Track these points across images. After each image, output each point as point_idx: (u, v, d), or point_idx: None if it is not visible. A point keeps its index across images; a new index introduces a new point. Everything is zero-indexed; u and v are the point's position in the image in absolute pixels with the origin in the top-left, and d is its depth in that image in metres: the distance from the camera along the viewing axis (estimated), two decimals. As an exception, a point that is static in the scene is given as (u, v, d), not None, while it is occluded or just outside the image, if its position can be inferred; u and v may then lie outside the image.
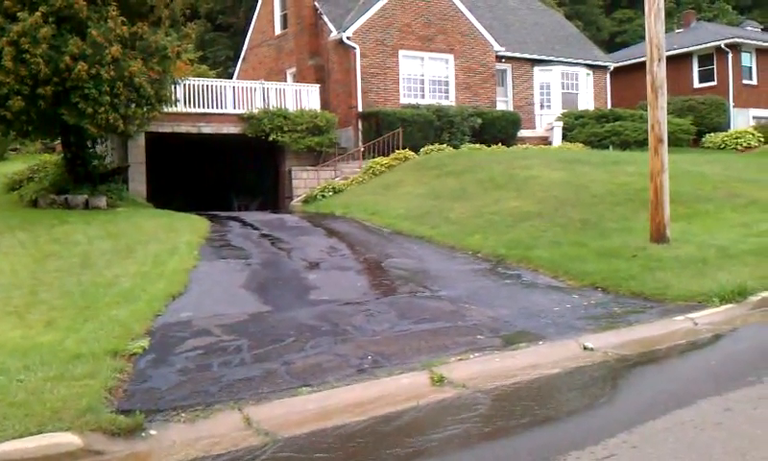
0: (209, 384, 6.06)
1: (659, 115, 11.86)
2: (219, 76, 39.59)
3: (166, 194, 25.32)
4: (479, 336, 7.47)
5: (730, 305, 8.55)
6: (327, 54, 26.40)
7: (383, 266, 11.56)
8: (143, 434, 5.03)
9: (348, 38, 24.82)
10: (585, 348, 7.00)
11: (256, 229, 15.52)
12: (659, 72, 11.79)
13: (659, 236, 11.90)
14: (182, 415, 5.33)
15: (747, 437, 4.28)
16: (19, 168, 24.59)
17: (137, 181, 21.33)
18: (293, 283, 10.35)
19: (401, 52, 25.96)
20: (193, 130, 22.36)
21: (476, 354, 6.75)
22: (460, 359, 6.58)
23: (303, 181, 22.47)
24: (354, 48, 24.86)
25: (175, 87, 21.23)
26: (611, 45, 49.43)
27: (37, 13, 15.84)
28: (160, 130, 21.57)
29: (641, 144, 27.18)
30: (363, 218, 16.49)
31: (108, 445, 4.87)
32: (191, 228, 14.99)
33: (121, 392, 5.95)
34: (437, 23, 26.76)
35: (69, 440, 4.75)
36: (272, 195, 25.40)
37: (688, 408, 4.89)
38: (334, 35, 25.47)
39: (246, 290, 9.96)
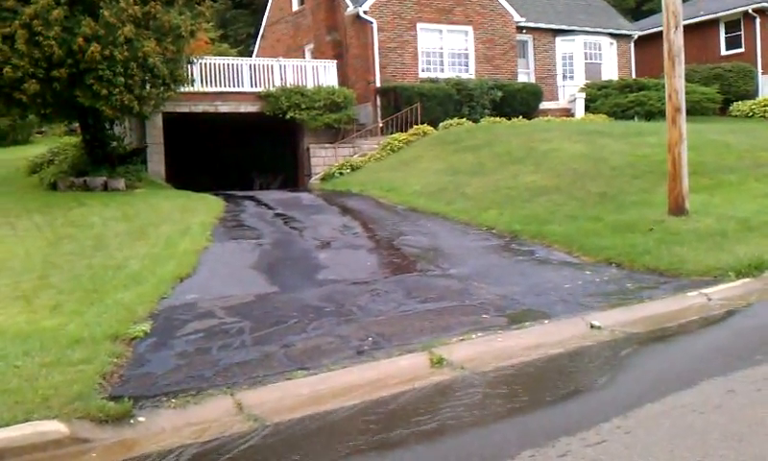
0: (206, 368, 5.99)
1: (676, 84, 11.55)
2: (240, 54, 39.51)
3: (189, 174, 25.36)
4: (484, 315, 7.32)
5: (746, 280, 8.30)
6: (345, 29, 26.14)
7: (395, 244, 11.42)
8: (132, 421, 4.96)
9: (364, 13, 24.53)
10: (592, 326, 6.82)
11: (271, 208, 15.44)
12: (675, 39, 11.46)
13: (677, 209, 11.63)
14: (173, 401, 5.26)
15: (747, 421, 4.10)
16: (41, 151, 24.77)
17: (156, 162, 21.34)
18: (302, 263, 10.25)
19: (419, 25, 25.62)
20: (210, 109, 22.29)
21: (479, 334, 6.60)
22: (461, 340, 6.44)
23: (322, 158, 22.34)
24: (371, 22, 24.58)
25: (191, 67, 21.17)
26: (637, 13, 48.38)
27: (48, -5, 15.81)
28: (177, 109, 21.52)
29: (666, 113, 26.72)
30: (379, 195, 16.34)
31: (95, 432, 4.81)
32: (206, 208, 14.96)
33: (116, 377, 5.89)
34: (455, -6, 26.37)
35: (55, 428, 4.69)
36: (292, 173, 25.32)
37: (690, 390, 4.71)
38: (351, 9, 25.19)
39: (254, 270, 9.88)
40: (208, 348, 6.60)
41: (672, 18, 11.44)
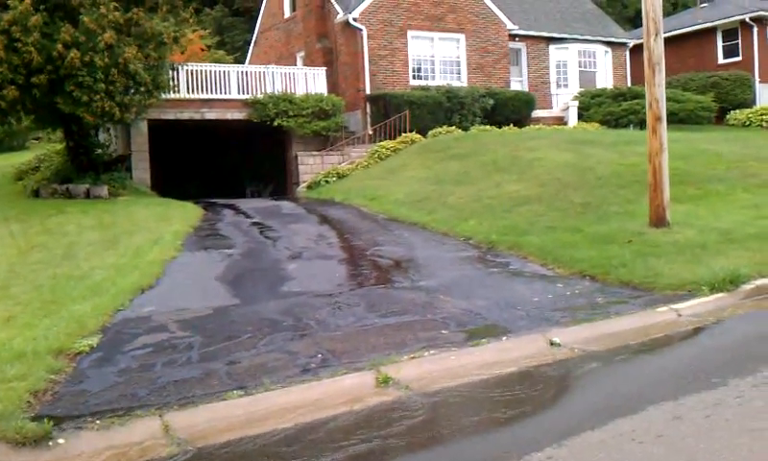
0: (142, 386, 5.74)
1: (656, 93, 11.30)
2: (237, 61, 39.37)
3: (178, 182, 25.16)
4: (444, 331, 7.06)
5: (720, 294, 8.02)
6: (335, 36, 25.96)
7: (368, 255, 11.17)
8: (50, 443, 4.71)
9: (354, 20, 24.34)
10: (552, 343, 6.56)
11: (249, 217, 15.21)
12: (655, 47, 11.22)
13: (658, 220, 11.38)
14: (98, 422, 5.00)
15: (686, 453, 3.84)
16: (30, 158, 24.59)
17: (141, 170, 21.13)
18: (269, 275, 10.00)
19: (410, 32, 25.43)
20: (196, 116, 22.08)
21: (433, 352, 6.34)
22: (412, 358, 6.18)
23: (310, 166, 22.12)
24: (361, 29, 24.40)
25: (176, 73, 21.00)
26: (637, 22, 48.16)
27: (27, 1, 15.61)
28: (163, 117, 21.35)
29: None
30: (361, 204, 16.10)
31: (9, 455, 4.57)
32: (183, 217, 14.74)
33: (49, 395, 5.65)
34: (447, 2, 26.18)
35: (-35, 452, 4.45)
36: (283, 181, 25.10)
37: (635, 416, 4.45)
38: (341, 16, 25.01)
39: (219, 282, 9.64)
40: (152, 364, 6.36)
41: (652, 25, 11.20)
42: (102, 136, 21.52)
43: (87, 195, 18.78)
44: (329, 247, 11.84)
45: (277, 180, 25.84)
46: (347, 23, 24.71)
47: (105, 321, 7.74)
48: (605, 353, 6.21)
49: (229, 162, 28.49)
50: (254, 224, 14.21)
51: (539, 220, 12.70)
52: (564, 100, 28.46)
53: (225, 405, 5.29)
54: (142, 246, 11.83)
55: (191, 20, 19.70)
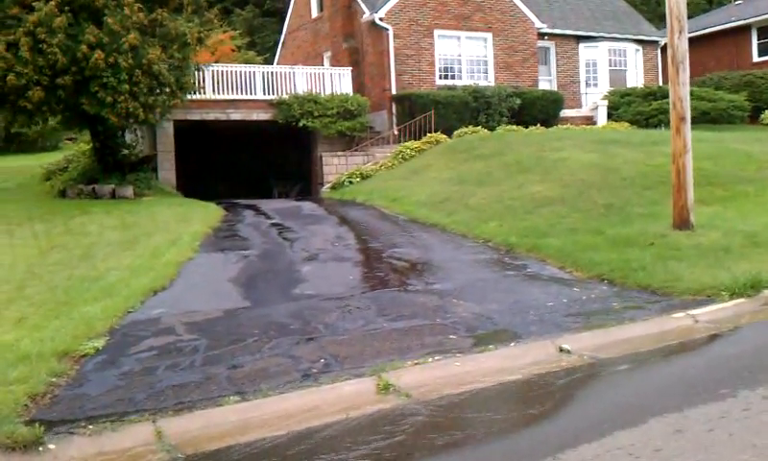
0: (141, 390, 5.69)
1: (680, 92, 11.04)
2: (267, 61, 39.46)
3: (206, 182, 25.27)
4: (452, 336, 6.92)
5: (740, 300, 7.78)
6: (362, 36, 25.88)
7: (384, 257, 11.06)
8: (41, 448, 4.67)
9: (380, 19, 24.23)
10: (561, 349, 6.39)
11: (269, 217, 15.18)
12: (679, 45, 10.96)
13: (681, 222, 11.10)
14: (90, 427, 4.96)
15: (683, 469, 3.68)
16: (59, 158, 24.85)
17: (166, 170, 21.24)
18: (283, 277, 9.93)
19: (436, 32, 25.25)
20: (222, 116, 22.13)
21: (437, 358, 6.21)
22: (416, 364, 6.06)
23: (334, 166, 22.05)
24: (387, 29, 24.27)
25: (201, 74, 21.08)
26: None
27: (52, 3, 15.73)
28: (189, 117, 21.44)
29: (693, 122, 25.92)
30: (382, 205, 15.99)
31: (-1, 461, 4.53)
32: (204, 217, 14.74)
33: (48, 398, 5.63)
34: (474, 1, 25.93)
35: (-49, 457, 4.42)
36: (309, 181, 25.09)
37: (635, 428, 4.28)
38: (367, 16, 24.92)
39: (232, 284, 9.59)
40: (155, 367, 6.31)
41: (676, 22, 10.94)
42: (128, 137, 21.64)
43: (113, 195, 18.90)
44: (346, 249, 11.74)
45: (305, 180, 25.84)
46: (372, 23, 24.61)
47: (113, 323, 7.73)
48: (614, 361, 6.02)
49: (258, 163, 28.50)
50: (274, 225, 14.17)
51: (560, 222, 12.48)
52: (593, 99, 28.07)
53: (220, 411, 5.21)
54: (159, 247, 11.84)
55: (216, 21, 19.73)
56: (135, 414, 5.18)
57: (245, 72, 22.86)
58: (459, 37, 25.86)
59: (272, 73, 23.23)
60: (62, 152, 32.30)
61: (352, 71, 24.71)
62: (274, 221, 14.67)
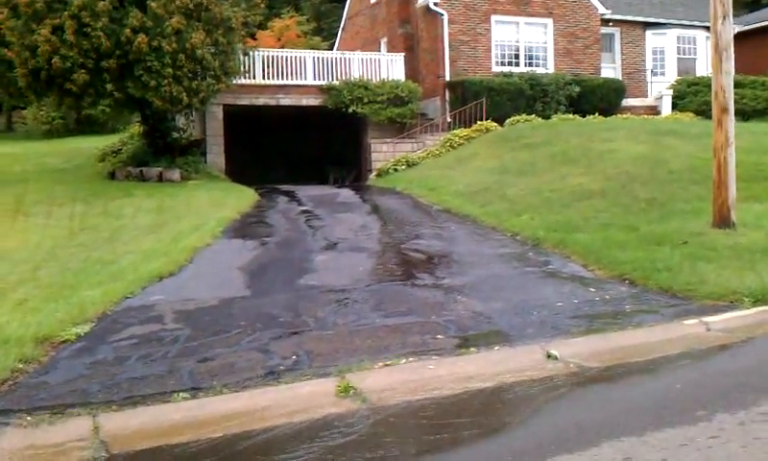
0: (100, 381, 5.54)
1: (723, 81, 10.33)
2: (331, 47, 39.41)
3: (263, 167, 25.38)
4: (439, 336, 6.56)
5: (762, 308, 7.17)
6: (417, 21, 25.47)
7: (403, 248, 10.73)
8: (-30, 440, 4.55)
9: (435, 4, 23.76)
10: (549, 355, 5.95)
11: (301, 204, 15.02)
12: (723, 31, 10.25)
13: (721, 220, 10.42)
14: (28, 419, 4.82)
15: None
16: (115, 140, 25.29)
17: (215, 154, 21.35)
18: (293, 266, 9.71)
19: (494, 17, 24.63)
20: (272, 102, 22.10)
21: (412, 359, 5.87)
22: (386, 365, 5.73)
23: (383, 153, 21.78)
24: (442, 14, 23.78)
25: (251, 59, 21.06)
26: (754, 7, 45.18)
27: (97, -14, 15.90)
28: (238, 102, 21.48)
29: (762, 114, 24.67)
30: (419, 194, 15.64)
31: (-72, 451, 4.43)
32: (237, 202, 14.70)
33: (7, 386, 5.52)
34: (534, -15, 25.20)
35: None
36: (360, 168, 24.90)
37: (582, 453, 3.86)
38: (422, 1, 24.46)
39: (240, 272, 9.43)
40: (127, 357, 6.16)
41: (720, 7, 10.23)
42: (180, 121, 21.82)
43: (160, 178, 19.08)
44: (367, 238, 11.45)
45: (358, 166, 25.66)
46: (427, 8, 24.17)
47: (106, 308, 7.65)
48: (600, 371, 5.57)
49: (314, 149, 28.45)
50: (303, 212, 14.00)
51: (596, 216, 11.91)
52: (659, 88, 26.95)
53: (165, 408, 5.01)
54: (183, 231, 11.80)
55: (262, 5, 19.59)
56: (81, 406, 5.02)
57: (296, 57, 22.76)
58: (518, 23, 25.17)
59: (322, 58, 23.08)
60: (121, 134, 32.90)
61: (407, 57, 24.35)
62: (305, 208, 14.50)
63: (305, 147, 28.29)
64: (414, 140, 22.15)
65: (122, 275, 9.14)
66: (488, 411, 4.86)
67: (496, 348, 6.17)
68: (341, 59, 23.12)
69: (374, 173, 20.89)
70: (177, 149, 20.54)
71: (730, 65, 10.34)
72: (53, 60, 15.99)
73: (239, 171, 21.87)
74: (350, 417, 4.78)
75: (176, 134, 21.00)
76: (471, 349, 6.11)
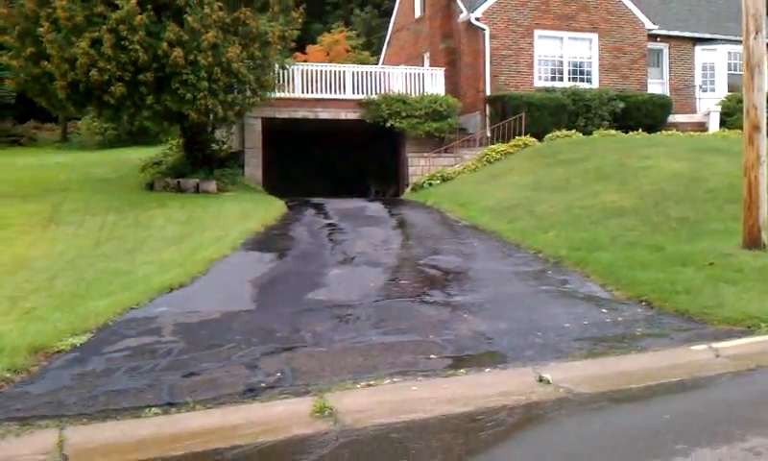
0: (79, 393, 5.51)
1: (755, 99, 9.96)
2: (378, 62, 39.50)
3: (304, 180, 25.42)
4: (432, 356, 6.38)
5: (779, 335, 6.82)
6: (459, 36, 25.30)
7: (420, 264, 10.56)
8: (-66, 450, 4.54)
9: (476, 19, 23.56)
10: (541, 379, 5.73)
11: (328, 217, 14.96)
12: (755, 47, 9.88)
13: (751, 242, 10.02)
14: (-3, 430, 4.80)
15: None
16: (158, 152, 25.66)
17: (252, 166, 21.47)
18: (305, 280, 9.61)
19: (537, 32, 24.29)
20: (310, 115, 22.15)
21: (396, 380, 5.71)
22: (369, 385, 5.58)
23: (420, 167, 21.65)
24: (483, 29, 23.56)
25: (290, 73, 21.17)
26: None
27: (134, 1, 16.12)
28: (277, 115, 21.58)
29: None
30: (448, 209, 15.45)
31: None
32: (264, 215, 14.72)
33: (-13, 396, 5.54)
34: (579, 0, 24.78)
35: None
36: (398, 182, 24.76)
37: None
38: (464, 16, 24.30)
39: (251, 285, 9.38)
40: (115, 369, 6.14)
41: (752, 22, 9.85)
42: (219, 133, 22.02)
43: (196, 190, 19.25)
44: (386, 253, 11.31)
45: (397, 180, 25.52)
46: (469, 23, 23.98)
47: (108, 319, 7.67)
48: (589, 398, 5.32)
49: (356, 162, 28.42)
50: (328, 225, 13.93)
51: (624, 235, 11.56)
52: (709, 105, 26.22)
53: (134, 424, 4.94)
54: (203, 243, 11.84)
55: (299, 21, 19.66)
56: (53, 419, 4.98)
57: (335, 71, 22.79)
58: (561, 38, 24.80)
59: (361, 73, 23.05)
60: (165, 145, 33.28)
61: (448, 72, 24.19)
62: (330, 221, 14.44)
63: (348, 161, 28.28)
64: (451, 155, 21.96)
65: (134, 285, 9.18)
66: (458, 437, 4.67)
67: (487, 370, 5.97)
68: (380, 73, 23.10)
69: (410, 187, 20.74)
70: (215, 161, 20.73)
71: (762, 82, 9.96)
72: (91, 73, 16.27)
73: (280, 184, 21.95)
74: (317, 439, 4.64)
75: (214, 147, 21.21)
76: (461, 370, 5.92)
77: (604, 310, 8.02)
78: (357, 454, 4.45)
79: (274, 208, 15.74)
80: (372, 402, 5.28)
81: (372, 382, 5.64)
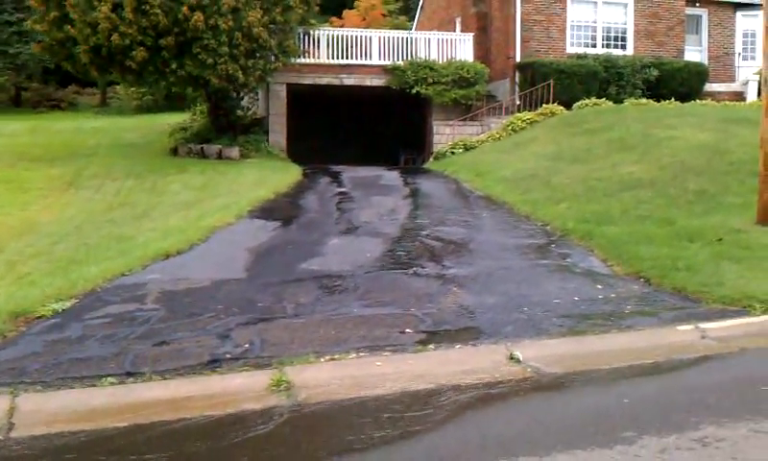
0: (44, 361, 5.52)
1: (772, 66, 9.51)
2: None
3: (329, 147, 25.28)
4: (407, 330, 6.26)
5: (769, 317, 6.56)
6: (490, 1, 24.78)
7: (423, 235, 10.42)
8: None
9: (506, -18, 23.06)
10: (511, 357, 5.59)
11: (341, 186, 14.86)
12: (774, 11, 9.41)
13: (765, 217, 9.67)
14: (-50, 398, 4.84)
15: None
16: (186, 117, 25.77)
17: (276, 133, 21.41)
18: (302, 250, 9.55)
19: (570, -3, 23.69)
20: (335, 81, 21.96)
21: (363, 354, 5.62)
22: (332, 359, 5.50)
23: (445, 136, 21.38)
24: (514, -7, 23.06)
25: (315, 38, 20.99)
26: None
27: (153, -36, 16.09)
28: (302, 81, 21.45)
29: None
30: (464, 179, 15.23)
31: None
32: (278, 182, 14.68)
33: (-50, 363, 5.60)
34: (614, -36, 24.10)
35: None
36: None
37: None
38: (497, -21, 23.82)
39: (247, 253, 9.36)
40: (90, 336, 6.16)
41: (771, -15, 9.39)
42: (245, 99, 21.99)
43: (219, 156, 19.30)
44: (391, 223, 11.18)
45: (424, 148, 25.25)
46: (499, -14, 23.49)
47: (96, 285, 7.69)
48: (554, 378, 5.17)
49: (387, 130, 28.17)
50: (340, 194, 13.84)
51: (636, 208, 11.27)
52: (748, 73, 25.38)
53: (89, 393, 4.94)
54: (210, 210, 11.85)
55: (322, -16, 19.44)
56: (10, 386, 5.01)
57: (360, 36, 22.54)
58: (596, 3, 24.14)
59: (388, 38, 22.73)
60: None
61: (478, 38, 23.77)
62: (342, 190, 14.34)
63: (378, 128, 28.04)
64: (478, 123, 21.63)
65: (131, 251, 9.22)
66: (411, 415, 4.56)
67: (458, 346, 5.84)
68: (406, 38, 22.76)
69: (433, 156, 20.51)
70: (239, 127, 20.74)
71: (781, 49, 9.52)
72: (112, 37, 16.33)
73: (306, 151, 21.85)
74: (265, 414, 4.59)
75: (239, 113, 21.20)
76: (430, 346, 5.80)
77: (599, 286, 7.81)
78: (303, 431, 4.39)
79: (289, 176, 15.69)
80: (332, 377, 5.21)
81: (336, 356, 5.56)
